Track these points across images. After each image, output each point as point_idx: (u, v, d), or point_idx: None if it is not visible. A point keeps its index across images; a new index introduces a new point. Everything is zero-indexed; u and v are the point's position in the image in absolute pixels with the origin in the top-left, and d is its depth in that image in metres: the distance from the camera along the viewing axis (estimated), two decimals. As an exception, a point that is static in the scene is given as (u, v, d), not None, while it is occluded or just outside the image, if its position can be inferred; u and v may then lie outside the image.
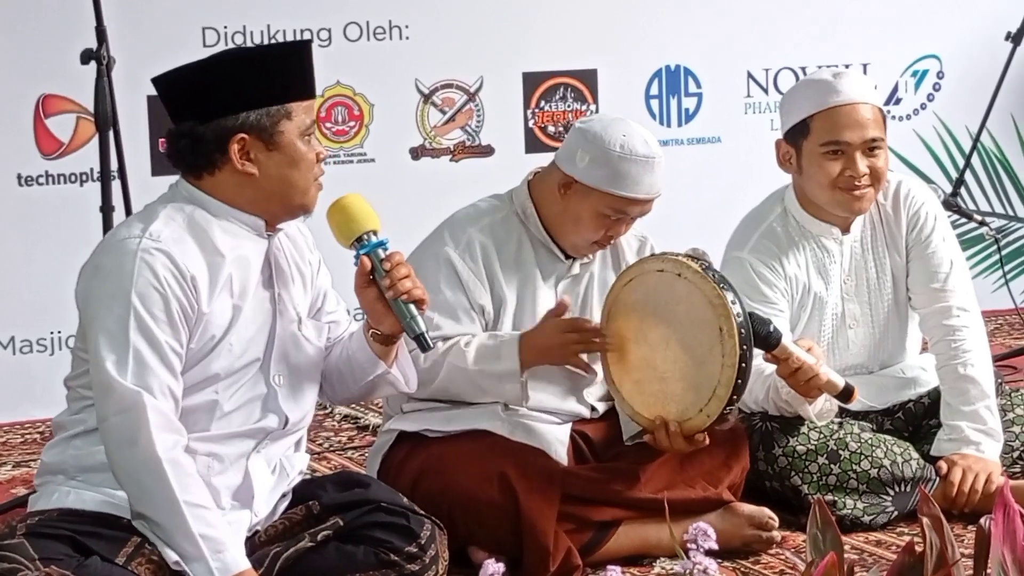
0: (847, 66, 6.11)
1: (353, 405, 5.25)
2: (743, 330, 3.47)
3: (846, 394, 3.72)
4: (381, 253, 3.13)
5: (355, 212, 3.15)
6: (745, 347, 3.47)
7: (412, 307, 3.13)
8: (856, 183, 3.93)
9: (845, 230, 4.07)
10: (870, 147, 3.94)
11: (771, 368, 3.79)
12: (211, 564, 2.90)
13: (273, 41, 5.35)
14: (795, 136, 3.98)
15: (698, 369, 3.52)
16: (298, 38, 5.39)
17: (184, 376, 3.01)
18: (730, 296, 3.49)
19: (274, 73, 3.08)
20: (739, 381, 3.48)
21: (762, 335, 3.61)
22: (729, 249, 4.09)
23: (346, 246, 3.16)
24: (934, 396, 4.12)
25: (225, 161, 3.05)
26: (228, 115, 3.03)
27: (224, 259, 3.06)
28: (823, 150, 3.93)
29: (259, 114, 3.04)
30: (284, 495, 3.23)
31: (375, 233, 3.14)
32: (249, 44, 5.31)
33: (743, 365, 3.47)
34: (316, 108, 3.13)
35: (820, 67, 5.99)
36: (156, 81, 3.13)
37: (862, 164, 3.92)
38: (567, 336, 3.65)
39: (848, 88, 3.94)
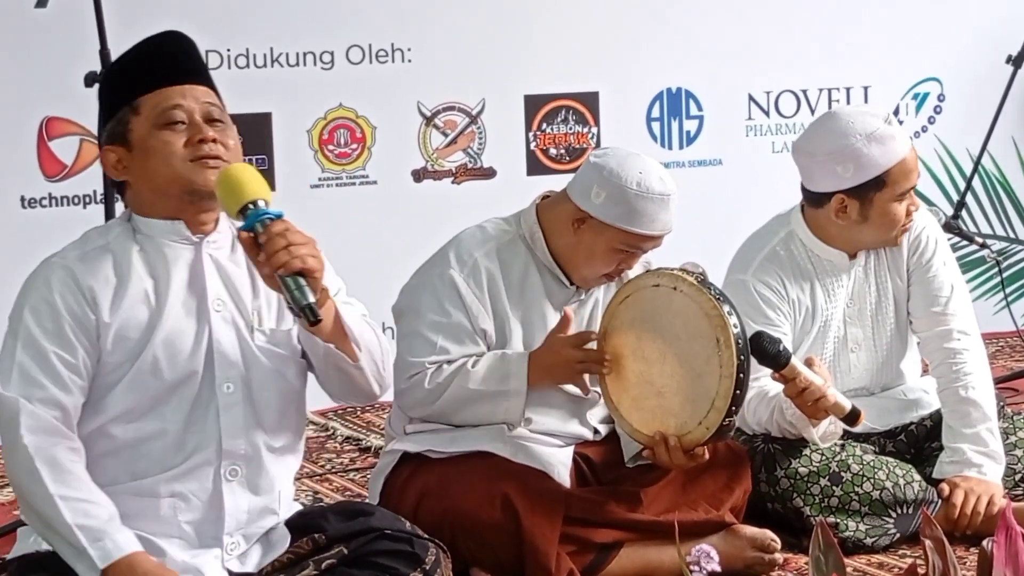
0: (848, 90, 6.15)
1: (354, 426, 5.26)
2: (740, 341, 3.47)
3: (852, 417, 3.72)
4: (260, 228, 2.85)
5: (233, 183, 2.87)
6: (743, 358, 3.47)
7: (298, 280, 2.81)
8: (909, 220, 4.00)
9: (851, 256, 4.08)
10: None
11: (776, 389, 3.79)
12: (91, 553, 2.81)
13: (277, 64, 5.37)
14: (865, 190, 3.93)
15: (696, 382, 3.51)
16: (301, 61, 5.41)
17: (116, 390, 2.96)
18: (726, 308, 3.49)
19: (120, 77, 3.07)
20: (737, 392, 3.47)
21: (771, 354, 3.62)
22: (732, 272, 4.09)
23: (233, 218, 2.92)
24: (936, 419, 4.13)
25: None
26: (102, 133, 3.06)
27: (137, 274, 3.00)
28: (897, 198, 3.94)
29: (112, 123, 3.03)
30: (275, 528, 3.12)
31: (264, 202, 2.86)
32: (252, 68, 5.33)
33: (741, 376, 3.47)
34: (195, 92, 3.01)
35: (822, 91, 6.03)
36: None
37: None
38: (571, 353, 3.66)
39: (903, 133, 3.96)
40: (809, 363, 3.72)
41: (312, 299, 2.81)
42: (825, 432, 3.85)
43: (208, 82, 3.08)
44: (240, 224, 2.86)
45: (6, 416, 2.90)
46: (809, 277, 4.06)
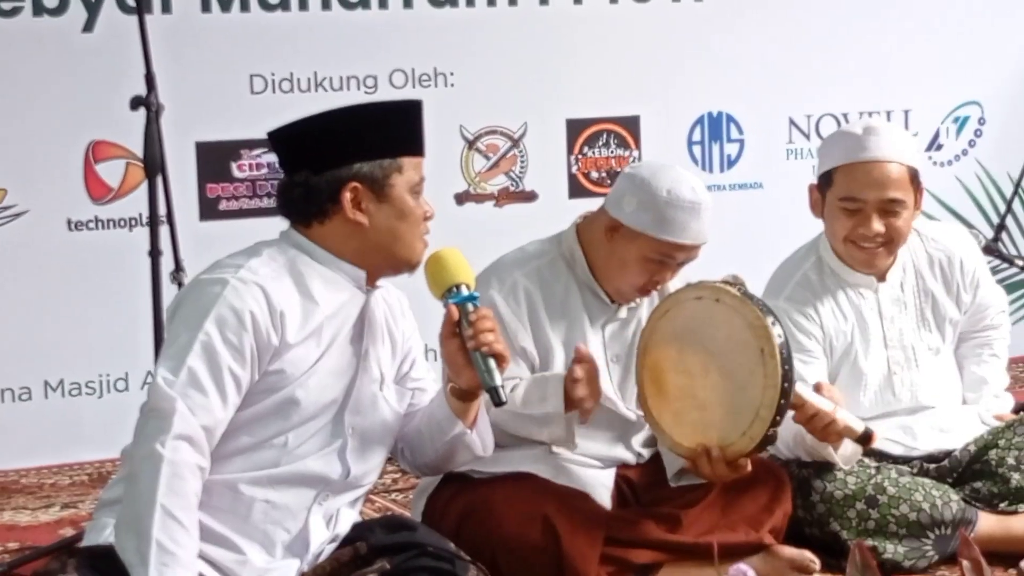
0: (888, 113, 6.14)
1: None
2: (784, 351, 3.48)
3: (864, 438, 3.74)
4: (470, 307, 3.18)
5: (450, 264, 3.21)
6: (787, 367, 3.47)
7: (491, 361, 3.15)
8: (866, 243, 3.96)
9: (880, 278, 4.08)
10: (888, 207, 3.95)
11: (801, 414, 3.82)
12: (150, 572, 2.81)
13: (321, 88, 5.41)
14: (822, 185, 4.02)
15: (739, 393, 3.52)
16: (345, 85, 5.45)
17: (258, 406, 3.04)
18: (770, 319, 3.50)
19: (388, 127, 3.18)
20: (782, 401, 3.48)
21: None
22: (765, 297, 4.07)
23: (438, 297, 3.22)
24: (980, 444, 4.11)
25: (336, 210, 3.13)
26: (342, 165, 3.11)
27: (318, 307, 3.10)
28: (841, 204, 3.96)
29: (372, 165, 3.13)
30: (332, 540, 3.23)
31: (468, 287, 3.21)
32: (296, 91, 5.36)
33: (786, 385, 3.47)
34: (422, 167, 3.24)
35: (863, 115, 6.04)
36: (272, 135, 3.20)
37: (877, 224, 3.94)
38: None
39: (876, 145, 3.93)
40: (818, 388, 3.73)
41: (499, 382, 3.14)
42: (846, 454, 3.85)
43: None
44: (449, 299, 3.19)
45: (160, 409, 2.92)
46: (840, 302, 4.07)
